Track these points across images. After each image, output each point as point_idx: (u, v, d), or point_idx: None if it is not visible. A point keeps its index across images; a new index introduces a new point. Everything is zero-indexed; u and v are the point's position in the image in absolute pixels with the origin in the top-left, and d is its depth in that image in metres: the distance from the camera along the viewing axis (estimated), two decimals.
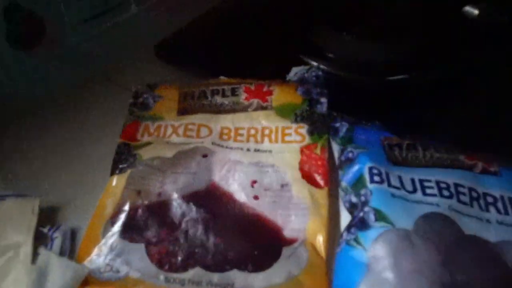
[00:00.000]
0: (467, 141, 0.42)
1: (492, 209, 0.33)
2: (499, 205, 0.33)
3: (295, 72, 0.46)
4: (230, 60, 0.51)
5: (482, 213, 0.33)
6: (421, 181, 0.34)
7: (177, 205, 0.34)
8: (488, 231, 0.32)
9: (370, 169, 0.34)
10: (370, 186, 0.33)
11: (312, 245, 0.34)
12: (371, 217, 0.31)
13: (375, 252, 0.29)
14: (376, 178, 0.33)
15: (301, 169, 0.38)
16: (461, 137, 0.45)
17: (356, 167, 0.35)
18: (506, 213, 0.33)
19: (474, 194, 0.33)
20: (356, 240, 0.31)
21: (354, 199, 0.33)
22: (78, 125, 0.45)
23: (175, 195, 0.35)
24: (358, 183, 0.34)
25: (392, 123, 0.41)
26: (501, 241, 0.31)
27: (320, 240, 0.34)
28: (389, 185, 0.33)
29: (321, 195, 0.37)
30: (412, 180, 0.34)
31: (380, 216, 0.31)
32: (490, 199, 0.34)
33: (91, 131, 0.44)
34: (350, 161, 0.36)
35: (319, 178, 0.37)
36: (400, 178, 0.34)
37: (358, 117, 0.41)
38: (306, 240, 0.34)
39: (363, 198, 0.33)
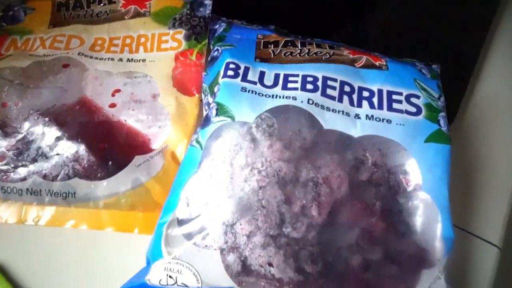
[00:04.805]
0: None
1: (365, 103, 0.29)
2: (374, 99, 0.29)
3: None
4: None
5: (352, 108, 0.29)
6: (286, 76, 0.30)
7: (20, 116, 0.32)
8: (353, 127, 0.28)
9: (227, 64, 0.30)
10: (221, 81, 0.29)
11: (172, 154, 0.31)
12: (213, 112, 0.27)
13: (208, 148, 0.26)
14: (230, 73, 0.29)
15: (174, 77, 0.34)
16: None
17: (216, 65, 0.31)
18: (380, 107, 0.29)
19: (347, 88, 0.29)
20: (197, 139, 0.27)
21: (210, 100, 0.30)
22: None
23: (19, 105, 0.32)
24: (214, 81, 0.30)
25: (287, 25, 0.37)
26: (364, 135, 0.27)
27: (181, 149, 0.31)
28: (243, 79, 0.29)
29: (190, 103, 0.33)
30: (277, 75, 0.30)
31: (221, 110, 0.27)
32: (365, 93, 0.29)
33: None
34: (214, 61, 0.32)
35: (190, 85, 0.34)
36: (262, 73, 0.30)
37: (251, 21, 0.37)
38: (165, 149, 0.31)
39: (215, 96, 0.29)
